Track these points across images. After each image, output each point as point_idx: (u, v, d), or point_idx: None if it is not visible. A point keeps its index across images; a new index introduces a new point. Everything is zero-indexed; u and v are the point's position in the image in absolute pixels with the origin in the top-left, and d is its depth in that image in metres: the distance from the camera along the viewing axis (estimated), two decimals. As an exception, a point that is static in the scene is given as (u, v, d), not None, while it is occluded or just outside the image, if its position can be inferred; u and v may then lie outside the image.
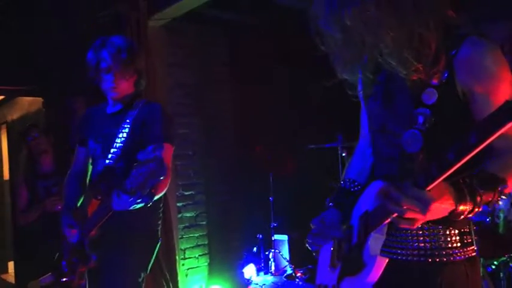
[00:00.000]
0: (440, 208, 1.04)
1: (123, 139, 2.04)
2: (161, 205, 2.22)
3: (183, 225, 4.19)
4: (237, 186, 4.42)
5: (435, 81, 1.17)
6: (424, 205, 1.02)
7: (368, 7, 1.13)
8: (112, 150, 2.05)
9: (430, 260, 1.19)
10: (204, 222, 4.34)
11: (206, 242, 4.34)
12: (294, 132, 4.14)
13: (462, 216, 1.07)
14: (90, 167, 2.21)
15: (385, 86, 1.30)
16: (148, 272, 2.11)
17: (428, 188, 1.01)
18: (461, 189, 1.04)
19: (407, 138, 1.21)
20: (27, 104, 5.71)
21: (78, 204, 2.17)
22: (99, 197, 1.96)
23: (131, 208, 1.79)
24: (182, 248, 4.14)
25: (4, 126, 6.54)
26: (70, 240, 2.05)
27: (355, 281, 1.29)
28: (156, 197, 1.87)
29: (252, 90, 4.40)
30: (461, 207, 1.04)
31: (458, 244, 1.19)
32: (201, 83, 4.31)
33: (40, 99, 4.77)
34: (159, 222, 2.18)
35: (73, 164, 2.28)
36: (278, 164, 4.64)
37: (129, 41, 2.13)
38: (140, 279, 2.05)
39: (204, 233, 4.33)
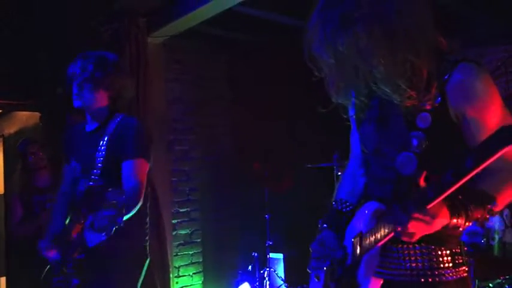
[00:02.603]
0: (439, 222, 1.09)
1: (101, 158, 2.04)
2: (147, 220, 2.20)
3: (178, 242, 4.16)
4: (233, 203, 4.41)
5: (428, 106, 1.20)
6: (429, 222, 1.07)
7: (360, 36, 1.16)
8: (93, 171, 2.05)
9: (422, 279, 1.20)
10: (199, 240, 4.31)
11: (201, 260, 4.31)
12: (291, 150, 4.15)
13: (459, 229, 1.11)
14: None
15: (379, 109, 1.33)
16: None
17: (429, 207, 1.05)
18: (454, 204, 1.09)
19: (402, 161, 1.24)
20: (25, 118, 5.71)
21: (66, 223, 2.15)
22: (82, 221, 1.95)
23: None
24: (176, 265, 4.11)
25: (0, 139, 6.52)
26: (52, 260, 2.04)
27: (349, 302, 1.29)
28: (124, 218, 1.82)
29: (250, 107, 4.43)
30: (455, 221, 1.09)
31: (450, 264, 1.21)
32: (199, 100, 4.34)
33: (37, 114, 4.78)
34: (147, 238, 2.16)
35: (61, 183, 2.29)
36: (274, 182, 4.64)
37: (108, 57, 2.13)
38: None
39: (199, 251, 4.31)
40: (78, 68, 2.05)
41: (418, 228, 1.08)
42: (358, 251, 1.30)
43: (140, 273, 2.09)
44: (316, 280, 1.47)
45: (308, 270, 1.47)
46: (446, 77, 1.19)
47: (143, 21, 3.66)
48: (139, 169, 1.99)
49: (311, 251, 1.45)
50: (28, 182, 3.51)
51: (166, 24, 3.67)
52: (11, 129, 6.22)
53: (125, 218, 1.80)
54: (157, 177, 3.66)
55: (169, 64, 4.16)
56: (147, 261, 2.13)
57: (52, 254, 2.03)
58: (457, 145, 1.20)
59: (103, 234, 1.69)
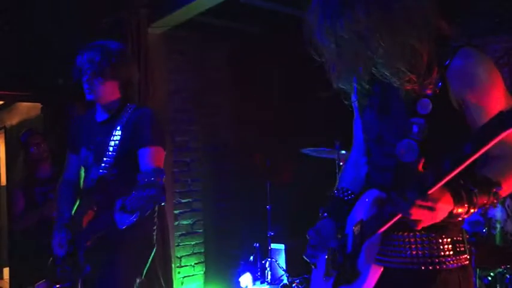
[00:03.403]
0: (443, 208, 1.07)
1: (114, 147, 2.04)
2: (155, 211, 2.21)
3: (180, 232, 4.18)
4: (235, 194, 4.42)
5: (429, 91, 1.19)
6: (432, 207, 1.05)
7: (360, 19, 1.15)
8: (105, 159, 2.04)
9: (423, 267, 1.20)
10: (200, 230, 4.33)
11: (202, 250, 4.33)
12: (293, 140, 4.14)
13: (460, 218, 1.10)
14: (83, 175, 2.21)
15: (381, 96, 1.32)
16: (143, 277, 2.10)
17: (430, 192, 1.04)
18: (458, 191, 1.07)
19: (402, 148, 1.23)
20: (26, 109, 5.72)
21: (73, 213, 2.16)
22: (95, 208, 1.98)
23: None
24: (178, 255, 4.13)
25: (2, 131, 6.54)
26: (57, 254, 2.04)
27: (350, 289, 1.29)
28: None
29: (251, 97, 4.41)
30: (459, 209, 1.07)
31: (451, 252, 1.20)
32: (200, 90, 4.33)
33: (39, 105, 4.78)
34: (154, 227, 2.18)
35: (65, 171, 2.28)
36: (276, 172, 4.64)
37: (113, 47, 2.11)
38: (135, 285, 2.05)
39: (201, 241, 4.32)
40: (85, 62, 2.04)
41: (422, 215, 1.06)
42: (358, 238, 1.29)
43: (146, 262, 2.11)
44: (314, 267, 1.48)
45: (304, 257, 1.47)
46: (447, 63, 1.18)
47: (144, 11, 3.64)
48: (156, 156, 2.00)
49: (308, 238, 1.45)
50: (30, 173, 3.52)
51: (167, 14, 3.65)
52: (12, 120, 6.23)
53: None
54: (158, 168, 3.67)
55: (170, 55, 4.14)
56: (153, 251, 2.14)
57: (64, 250, 2.03)
58: (459, 131, 1.19)
59: (135, 215, 1.73)
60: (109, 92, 2.10)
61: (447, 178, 1.00)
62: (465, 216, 1.11)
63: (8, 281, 5.40)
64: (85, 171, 2.16)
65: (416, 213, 1.06)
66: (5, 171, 6.36)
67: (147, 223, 2.13)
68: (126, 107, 2.13)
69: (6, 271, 6.01)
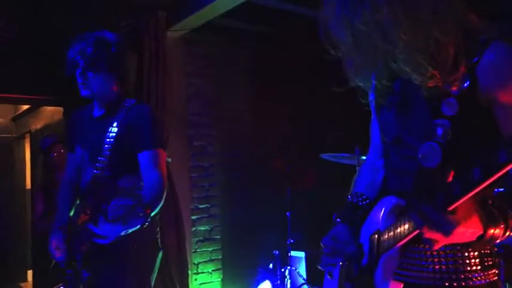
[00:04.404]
0: (467, 232, 0.96)
1: (109, 146, 1.91)
2: (157, 214, 2.08)
3: (197, 238, 4.11)
4: (253, 200, 4.33)
5: (455, 89, 1.08)
6: (447, 229, 0.94)
7: (380, 9, 1.05)
8: (99, 158, 1.92)
9: (447, 284, 1.09)
10: (218, 237, 4.25)
11: (220, 257, 4.25)
12: (313, 146, 4.04)
13: (497, 241, 0.99)
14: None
15: (401, 95, 1.22)
16: (152, 285, 1.99)
17: (450, 209, 0.93)
18: (490, 211, 0.96)
19: (424, 152, 1.12)
20: (51, 113, 5.80)
21: (71, 214, 2.08)
22: (88, 212, 1.86)
23: (122, 234, 1.70)
24: (195, 262, 4.07)
25: (28, 135, 6.65)
26: (57, 260, 1.96)
27: (365, 305, 1.19)
28: (152, 214, 1.76)
29: (271, 101, 4.33)
30: (493, 231, 0.96)
31: (479, 267, 1.09)
32: (218, 94, 4.28)
33: (62, 109, 4.82)
34: (157, 229, 2.04)
35: (65, 172, 2.18)
36: (296, 178, 4.54)
37: (107, 37, 1.95)
38: None
39: (218, 248, 4.25)
40: (77, 54, 1.90)
41: (434, 235, 0.96)
42: (375, 250, 1.19)
43: (153, 267, 2.00)
44: (329, 278, 1.37)
45: (319, 267, 1.37)
46: (476, 59, 1.06)
47: (162, 15, 3.61)
48: (158, 160, 1.89)
49: (322, 246, 1.35)
50: (50, 177, 3.56)
51: (186, 17, 3.62)
52: (37, 124, 6.33)
53: (153, 213, 1.75)
54: (176, 173, 3.62)
55: (189, 58, 4.11)
56: (160, 255, 2.03)
57: (60, 254, 1.95)
58: (488, 135, 1.08)
59: (119, 225, 1.62)
60: (104, 86, 1.95)
61: (476, 190, 0.87)
62: (501, 240, 0.99)
63: (31, 283, 5.45)
64: (81, 172, 2.04)
65: (430, 233, 0.96)
66: (30, 175, 6.46)
67: (149, 227, 1.95)
68: (123, 101, 1.99)
69: (30, 273, 6.08)
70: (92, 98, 2.01)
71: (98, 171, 1.91)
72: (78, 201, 2.08)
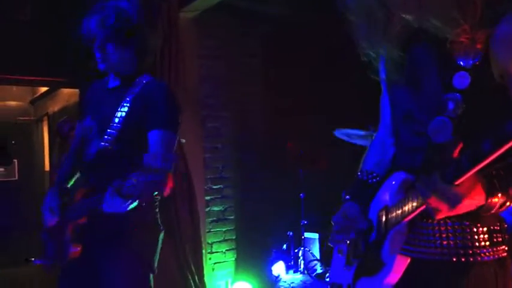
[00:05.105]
0: (471, 203, 0.96)
1: (121, 119, 1.82)
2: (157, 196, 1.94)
3: (211, 219, 4.15)
4: (267, 181, 4.35)
5: (479, 45, 1.04)
6: (454, 202, 0.94)
7: None
8: (108, 131, 1.83)
9: (454, 259, 1.07)
10: (232, 217, 4.29)
11: (234, 237, 4.29)
12: (326, 127, 4.02)
13: (492, 211, 0.98)
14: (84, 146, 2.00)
15: (412, 70, 1.19)
16: (156, 269, 1.88)
17: (458, 182, 0.92)
18: (491, 181, 0.95)
19: (435, 127, 1.10)
20: (67, 96, 5.87)
21: (69, 185, 1.99)
22: (90, 186, 1.81)
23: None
24: (209, 242, 4.12)
25: (46, 118, 6.75)
26: (45, 224, 1.88)
27: (372, 281, 1.19)
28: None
29: (284, 83, 4.31)
30: (492, 200, 0.96)
31: (487, 243, 1.07)
32: (231, 76, 4.26)
33: (77, 91, 4.87)
34: (157, 210, 1.94)
35: (72, 142, 2.08)
36: (310, 160, 4.53)
37: (127, 8, 1.83)
38: (150, 280, 1.84)
39: (232, 228, 4.29)
40: (96, 25, 1.79)
41: (440, 205, 0.96)
42: (383, 226, 1.18)
43: (156, 249, 1.90)
44: (340, 255, 1.38)
45: (329, 244, 1.37)
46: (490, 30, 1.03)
47: (174, -6, 3.60)
48: (167, 142, 1.79)
49: (332, 224, 1.35)
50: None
51: (198, -3, 3.60)
52: (55, 107, 6.42)
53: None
54: (189, 154, 3.64)
55: (202, 39, 4.09)
56: (162, 234, 1.93)
57: (51, 217, 1.86)
58: (500, 109, 1.04)
59: (129, 202, 1.53)
60: (123, 59, 1.84)
61: (485, 162, 0.86)
62: (501, 210, 0.99)
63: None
64: (86, 143, 1.93)
65: (435, 203, 0.95)
66: (48, 158, 6.58)
67: (147, 207, 1.84)
68: (141, 76, 1.90)
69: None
70: (109, 71, 1.92)
71: (106, 144, 1.82)
72: (78, 174, 2.00)
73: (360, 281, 1.24)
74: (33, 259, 2.01)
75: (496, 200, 0.95)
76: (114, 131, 1.83)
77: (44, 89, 6.44)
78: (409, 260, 1.14)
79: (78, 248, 1.79)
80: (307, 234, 4.52)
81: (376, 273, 1.17)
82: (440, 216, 0.99)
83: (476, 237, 1.07)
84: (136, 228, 1.82)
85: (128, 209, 1.58)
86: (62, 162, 2.08)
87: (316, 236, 4.54)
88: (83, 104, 2.09)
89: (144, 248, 1.86)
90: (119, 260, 1.80)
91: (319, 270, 4.32)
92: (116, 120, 1.83)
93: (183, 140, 3.57)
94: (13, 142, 6.63)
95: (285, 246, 4.65)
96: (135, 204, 1.57)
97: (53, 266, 1.93)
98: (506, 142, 0.81)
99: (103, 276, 1.83)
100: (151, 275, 1.85)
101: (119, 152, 1.82)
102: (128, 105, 1.84)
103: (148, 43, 1.91)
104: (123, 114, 1.83)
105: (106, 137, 1.84)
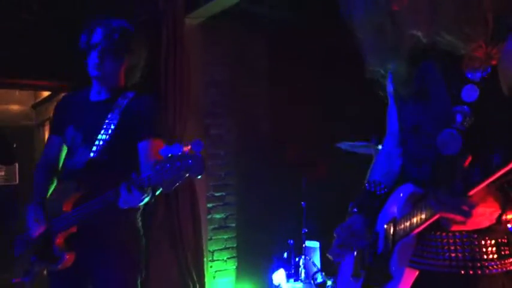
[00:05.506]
0: (486, 213, 0.97)
1: (110, 131, 1.94)
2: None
3: (212, 226, 4.14)
4: (269, 189, 4.34)
5: (494, 62, 1.05)
6: (466, 213, 0.94)
7: None
8: (96, 142, 1.94)
9: (462, 271, 1.08)
10: (233, 225, 4.28)
11: (235, 245, 4.28)
12: (331, 136, 4.02)
13: (509, 225, 1.00)
14: (63, 156, 2.08)
15: (420, 83, 1.20)
16: (143, 273, 2.01)
17: (470, 194, 0.93)
18: (507, 192, 0.97)
19: (443, 139, 1.11)
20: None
21: (47, 195, 2.06)
22: (81, 192, 1.87)
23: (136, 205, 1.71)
24: (210, 249, 4.10)
25: (47, 122, 6.76)
26: (31, 235, 1.94)
27: (380, 293, 1.19)
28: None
29: (289, 90, 4.31)
30: (510, 215, 0.97)
31: (495, 256, 1.08)
32: (236, 82, 4.27)
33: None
34: (139, 215, 2.06)
35: (44, 154, 2.16)
36: (312, 168, 4.52)
37: (128, 27, 2.03)
38: (138, 281, 1.97)
39: (233, 236, 4.28)
40: (103, 37, 1.94)
41: (453, 217, 0.96)
42: (391, 238, 1.18)
43: (142, 251, 2.02)
44: (346, 265, 1.37)
45: (327, 255, 1.37)
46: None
47: (180, 1, 3.61)
48: (156, 149, 1.87)
49: (335, 236, 1.34)
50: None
51: (204, 4, 3.61)
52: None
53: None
54: (192, 161, 3.64)
55: (207, 46, 4.10)
56: (143, 239, 2.05)
57: (38, 227, 1.92)
58: (508, 122, 1.05)
59: (144, 196, 1.62)
60: (116, 72, 2.01)
61: (497, 175, 0.87)
62: None
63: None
64: (70, 152, 2.03)
65: (448, 215, 0.96)
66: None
67: (134, 211, 2.00)
68: (126, 92, 2.04)
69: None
70: (99, 80, 2.02)
71: (95, 155, 1.92)
72: (60, 183, 2.05)
73: (367, 292, 1.24)
74: (13, 279, 2.01)
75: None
76: (103, 142, 1.93)
77: (46, 93, 6.46)
78: (417, 273, 1.14)
79: (72, 256, 1.87)
80: (308, 243, 4.50)
81: (384, 285, 1.16)
82: (454, 227, 0.99)
83: (484, 249, 1.08)
84: (125, 232, 1.97)
85: (143, 202, 1.68)
86: (35, 174, 2.12)
87: (317, 244, 4.52)
88: (57, 116, 2.16)
89: (134, 253, 1.99)
90: (111, 265, 1.91)
91: (319, 279, 4.30)
92: (102, 131, 1.94)
93: (186, 147, 3.57)
94: (14, 145, 6.64)
95: (285, 255, 4.63)
96: (149, 197, 1.67)
97: (31, 282, 1.96)
98: None
99: (95, 282, 1.94)
100: (138, 276, 1.98)
101: (109, 162, 1.92)
102: (116, 117, 1.96)
103: (140, 61, 2.08)
104: (112, 126, 1.95)
105: (95, 148, 1.94)
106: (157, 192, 1.75)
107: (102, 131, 1.94)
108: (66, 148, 2.07)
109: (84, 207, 1.81)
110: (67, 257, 1.85)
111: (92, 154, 1.93)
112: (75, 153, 1.99)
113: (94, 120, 1.98)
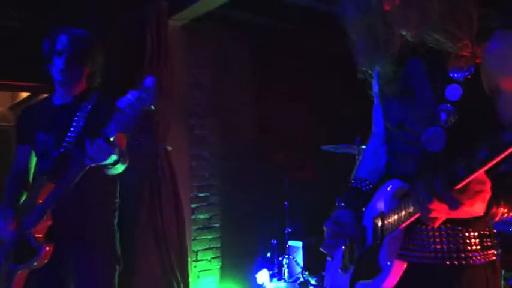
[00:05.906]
0: (469, 209, 0.99)
1: (78, 128, 2.05)
2: (116, 200, 2.22)
3: (196, 226, 4.15)
4: (253, 189, 4.37)
5: (460, 74, 1.11)
6: (453, 205, 0.97)
7: None
8: (66, 139, 2.05)
9: (448, 262, 1.13)
10: (217, 225, 4.30)
11: (219, 245, 4.30)
12: (313, 136, 4.08)
13: (502, 217, 1.03)
14: (35, 163, 2.17)
15: (405, 82, 1.25)
16: (120, 265, 2.13)
17: (456, 188, 0.96)
18: (494, 189, 0.99)
19: (428, 136, 1.16)
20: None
21: (21, 201, 2.12)
22: (55, 181, 1.95)
23: (108, 165, 1.85)
24: (194, 249, 4.11)
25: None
26: (1, 235, 2.01)
27: (370, 285, 1.23)
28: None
29: (272, 92, 4.36)
30: (496, 210, 1.01)
31: (478, 247, 1.14)
32: (219, 84, 4.29)
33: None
34: (115, 214, 2.20)
35: (14, 164, 2.23)
36: (295, 168, 4.58)
37: (89, 35, 2.16)
38: (116, 273, 2.10)
39: (217, 236, 4.29)
40: (69, 45, 2.05)
41: (440, 211, 0.99)
42: (379, 232, 1.23)
43: (116, 248, 2.14)
44: (330, 260, 1.42)
45: (321, 249, 1.41)
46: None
47: (164, 3, 3.61)
48: (122, 143, 2.03)
49: (325, 230, 1.39)
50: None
51: (188, 7, 3.62)
52: (35, 113, 6.32)
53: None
54: (176, 162, 3.65)
55: (191, 48, 4.11)
56: (117, 237, 2.17)
57: (7, 226, 1.99)
58: (490, 120, 1.11)
59: (112, 150, 1.74)
60: (80, 76, 2.13)
61: (481, 170, 0.90)
62: (503, 218, 1.03)
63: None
64: (42, 156, 2.12)
65: (436, 209, 0.98)
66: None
67: (108, 208, 2.16)
68: (90, 94, 2.15)
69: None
70: (63, 84, 2.13)
71: (62, 149, 2.03)
72: (36, 182, 2.11)
73: (357, 285, 1.28)
74: None
75: (502, 209, 1.00)
76: (72, 139, 2.04)
77: (24, 94, 6.34)
78: (405, 265, 1.18)
79: (51, 248, 1.94)
80: (291, 243, 4.55)
81: (373, 277, 1.21)
82: (437, 223, 1.02)
83: (468, 241, 1.13)
84: (100, 227, 2.10)
85: (112, 161, 1.82)
86: (7, 183, 2.18)
87: (300, 244, 4.57)
88: (23, 126, 2.24)
89: (109, 247, 2.11)
90: (87, 259, 2.02)
91: (302, 278, 4.35)
92: (72, 129, 2.06)
93: (170, 148, 3.58)
94: (-9, 148, 6.50)
95: (269, 254, 4.66)
96: (117, 157, 1.84)
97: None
98: (502, 151, 0.86)
99: (74, 274, 2.01)
100: (117, 267, 2.12)
101: (78, 156, 1.97)
102: (84, 116, 2.08)
103: (99, 67, 2.22)
104: (81, 123, 2.06)
105: (65, 144, 2.04)
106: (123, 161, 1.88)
107: (73, 129, 2.05)
108: (36, 155, 2.15)
109: (53, 193, 1.91)
110: (46, 248, 1.93)
111: (61, 149, 2.04)
112: (48, 156, 2.08)
113: (63, 121, 2.09)
